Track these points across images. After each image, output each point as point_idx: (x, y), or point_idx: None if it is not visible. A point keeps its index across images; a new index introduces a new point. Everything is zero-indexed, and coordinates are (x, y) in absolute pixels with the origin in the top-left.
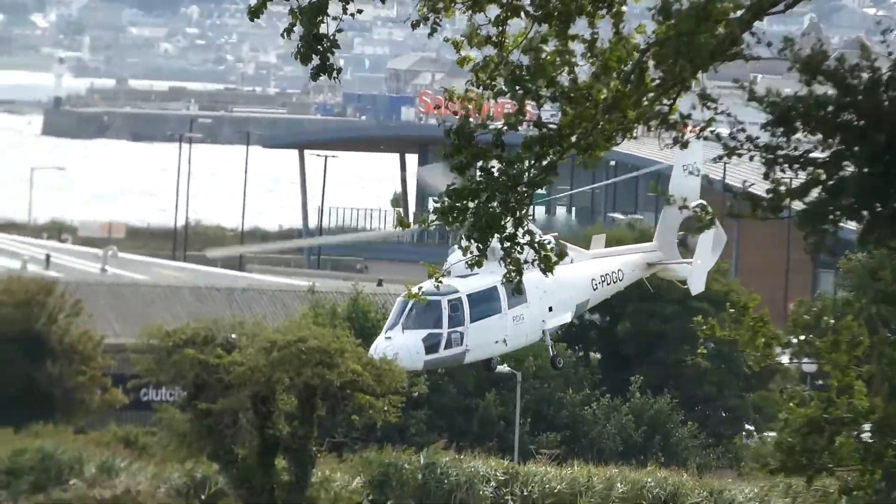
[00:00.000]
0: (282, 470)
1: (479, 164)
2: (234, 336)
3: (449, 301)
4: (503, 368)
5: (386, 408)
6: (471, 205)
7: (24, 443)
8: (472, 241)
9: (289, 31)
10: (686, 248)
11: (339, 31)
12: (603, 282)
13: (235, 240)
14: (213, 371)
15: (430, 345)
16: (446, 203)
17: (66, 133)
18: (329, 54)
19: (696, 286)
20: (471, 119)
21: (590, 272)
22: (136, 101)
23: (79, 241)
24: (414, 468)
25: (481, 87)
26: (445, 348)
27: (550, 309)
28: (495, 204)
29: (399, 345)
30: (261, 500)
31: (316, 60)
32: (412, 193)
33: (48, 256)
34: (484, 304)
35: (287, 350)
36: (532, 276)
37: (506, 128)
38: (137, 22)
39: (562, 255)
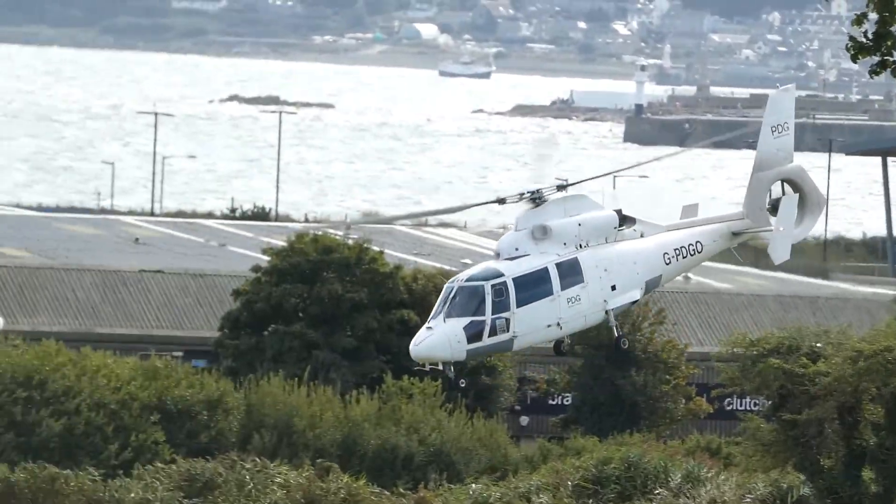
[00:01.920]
0: (869, 481)
1: None
2: (819, 345)
3: (493, 286)
4: None
5: None
6: None
7: (609, 451)
8: None
9: (859, 20)
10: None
11: None
12: (678, 255)
13: (818, 249)
14: (797, 381)
15: (473, 333)
16: None
17: (646, 140)
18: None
19: (778, 255)
20: None
21: (661, 245)
22: (717, 108)
23: None
24: None
25: None
26: (490, 336)
27: (614, 287)
28: None
29: (439, 334)
30: None
31: (876, 57)
32: None
33: None
34: (533, 286)
35: (873, 359)
36: (590, 253)
37: None
38: (719, 29)
39: None
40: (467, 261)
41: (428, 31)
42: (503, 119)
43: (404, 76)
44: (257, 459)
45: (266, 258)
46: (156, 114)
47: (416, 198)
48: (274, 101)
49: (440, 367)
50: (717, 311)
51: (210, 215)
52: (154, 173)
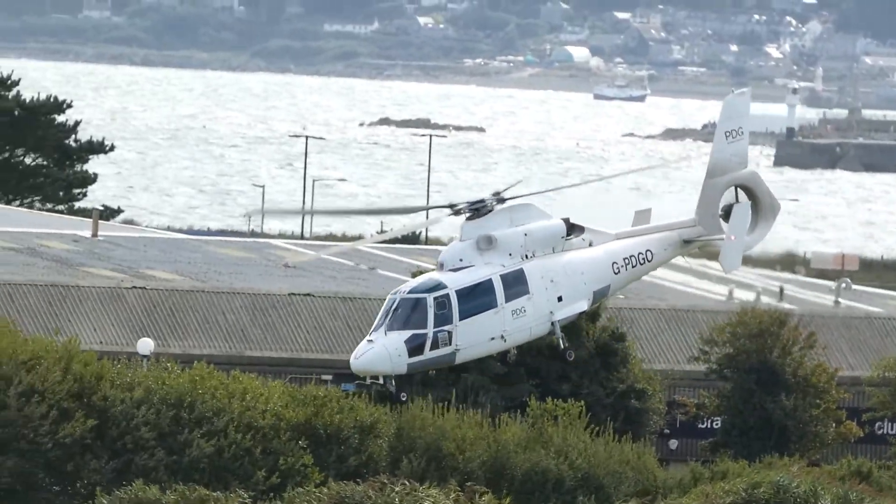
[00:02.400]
0: None
1: None
2: None
3: (435, 298)
4: None
5: None
6: None
7: (759, 475)
8: None
9: None
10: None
11: None
12: (627, 264)
13: None
14: None
15: (414, 346)
16: None
17: (798, 163)
18: None
19: (729, 264)
20: None
21: (610, 254)
22: (869, 131)
23: (812, 272)
24: None
25: None
26: (432, 349)
27: (560, 299)
28: None
29: (380, 348)
30: None
31: None
32: None
33: (781, 289)
34: (476, 298)
35: None
36: (536, 264)
37: None
38: (871, 51)
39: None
40: None
41: (579, 53)
42: (654, 143)
43: (558, 99)
44: (407, 482)
45: None
46: (307, 136)
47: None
48: (425, 124)
49: (380, 381)
50: (867, 336)
51: (359, 238)
52: (304, 196)
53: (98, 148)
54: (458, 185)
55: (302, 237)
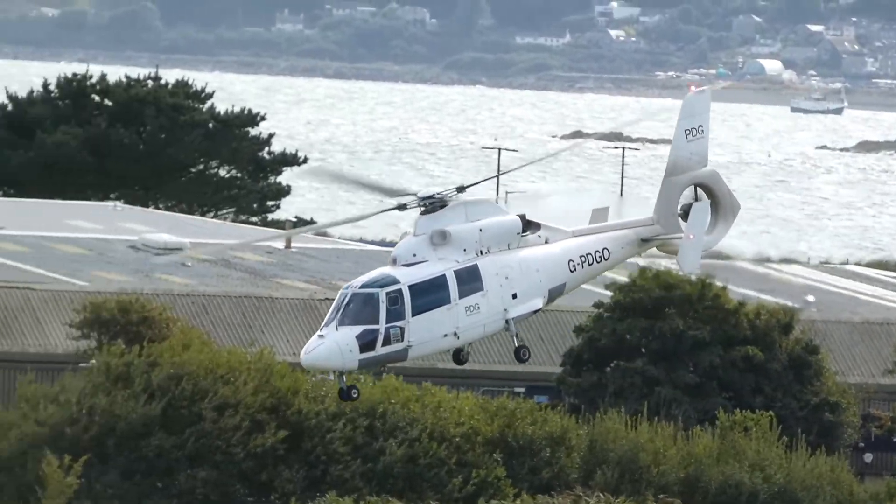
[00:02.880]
0: None
1: None
2: None
3: (388, 294)
4: None
5: None
6: None
7: None
8: None
9: None
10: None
11: None
12: (583, 262)
13: None
14: None
15: (366, 342)
16: None
17: None
18: None
19: (687, 265)
20: None
21: (566, 252)
22: None
23: None
24: None
25: None
26: (384, 345)
27: (515, 296)
28: None
29: (330, 343)
30: None
31: None
32: None
33: None
34: (429, 294)
35: None
36: (490, 260)
37: None
38: None
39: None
40: (810, 297)
41: (772, 66)
42: (848, 156)
43: (754, 112)
44: (601, 495)
45: (608, 293)
46: (499, 149)
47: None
48: (617, 137)
49: (331, 377)
50: None
51: None
52: None
53: (291, 160)
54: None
55: None
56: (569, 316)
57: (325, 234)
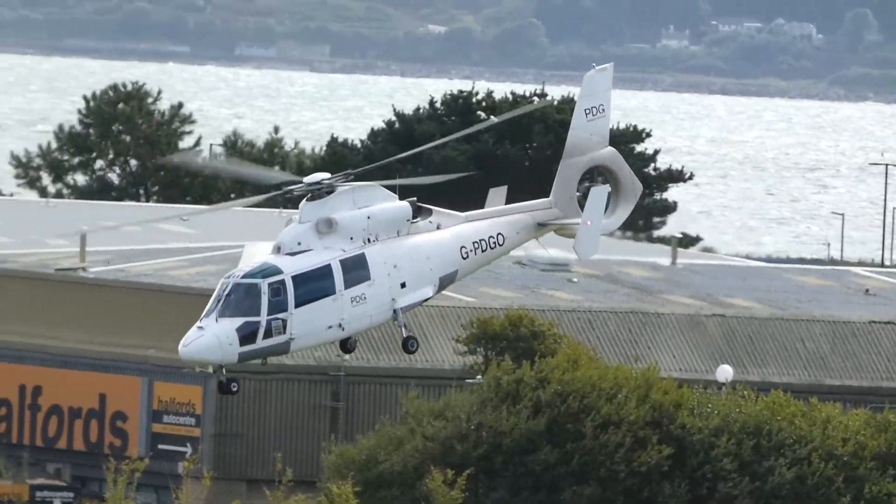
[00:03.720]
0: None
1: None
2: None
3: (270, 284)
4: None
5: None
6: None
7: None
8: None
9: None
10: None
11: None
12: (476, 248)
13: None
14: None
15: (246, 334)
16: None
17: None
18: None
19: (584, 250)
20: None
21: (458, 238)
22: None
23: None
24: None
25: None
26: (265, 337)
27: (403, 285)
28: None
29: (210, 335)
30: None
31: None
32: None
33: None
34: (313, 285)
35: None
36: (378, 249)
37: None
38: None
39: None
40: None
41: None
42: None
43: None
44: None
45: None
46: (886, 165)
47: None
48: None
49: (210, 371)
50: None
51: None
52: (884, 224)
53: (678, 176)
54: None
55: (882, 265)
56: None
57: (710, 251)
